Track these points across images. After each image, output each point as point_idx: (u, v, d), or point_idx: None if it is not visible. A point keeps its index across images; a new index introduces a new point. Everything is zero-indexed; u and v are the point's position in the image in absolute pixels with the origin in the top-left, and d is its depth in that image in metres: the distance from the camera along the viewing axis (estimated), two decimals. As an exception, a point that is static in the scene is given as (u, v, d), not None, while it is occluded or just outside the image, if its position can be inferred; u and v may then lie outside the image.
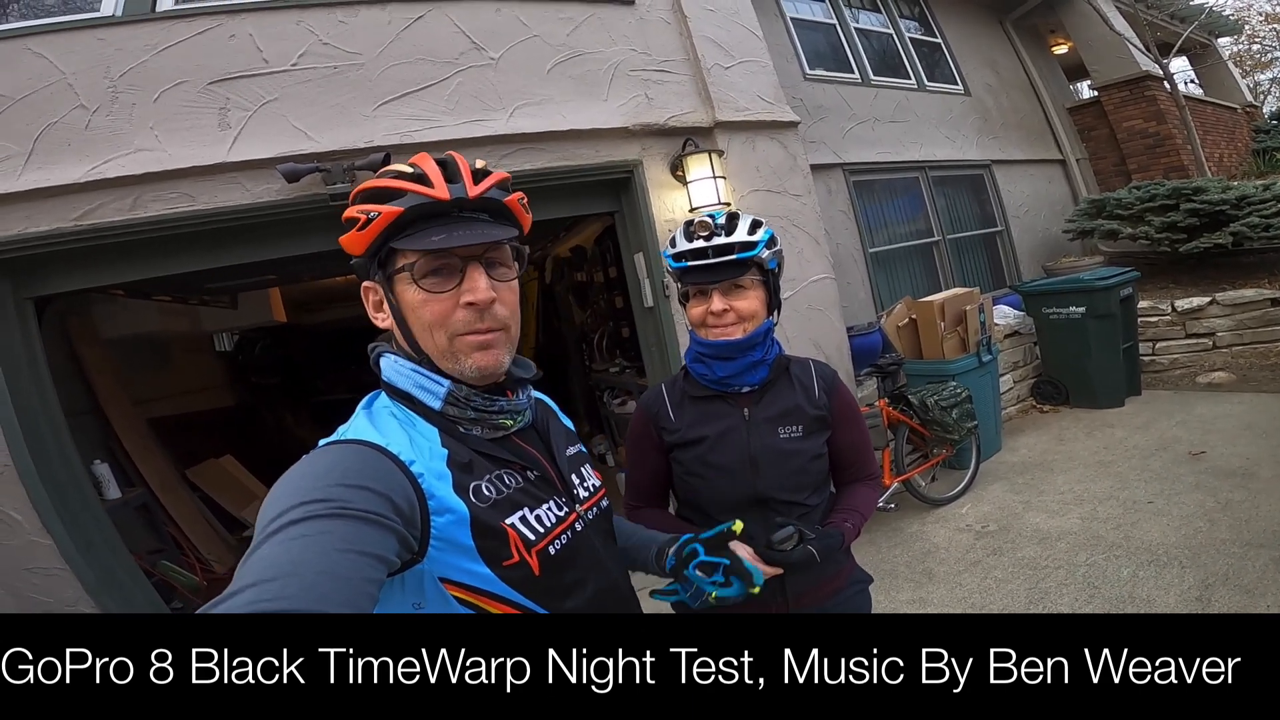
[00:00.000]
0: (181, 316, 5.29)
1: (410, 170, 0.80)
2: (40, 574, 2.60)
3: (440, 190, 0.78)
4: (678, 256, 1.27)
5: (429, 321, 0.79)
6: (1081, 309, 4.78)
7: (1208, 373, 5.01)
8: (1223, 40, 10.05)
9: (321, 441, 0.74)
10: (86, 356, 3.97)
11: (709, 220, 1.25)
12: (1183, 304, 5.17)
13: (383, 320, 0.84)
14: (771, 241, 1.27)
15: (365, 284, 0.84)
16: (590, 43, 3.39)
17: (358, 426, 0.77)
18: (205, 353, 6.11)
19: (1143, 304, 5.29)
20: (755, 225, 1.25)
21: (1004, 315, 5.34)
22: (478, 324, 0.79)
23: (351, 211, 0.80)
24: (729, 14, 3.75)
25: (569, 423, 1.06)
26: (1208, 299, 5.10)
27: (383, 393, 0.84)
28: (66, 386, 3.47)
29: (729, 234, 1.23)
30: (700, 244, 1.24)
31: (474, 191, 0.80)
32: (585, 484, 0.95)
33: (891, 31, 6.20)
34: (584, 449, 1.03)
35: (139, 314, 4.63)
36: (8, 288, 2.62)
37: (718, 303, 1.25)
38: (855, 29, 5.88)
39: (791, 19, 5.44)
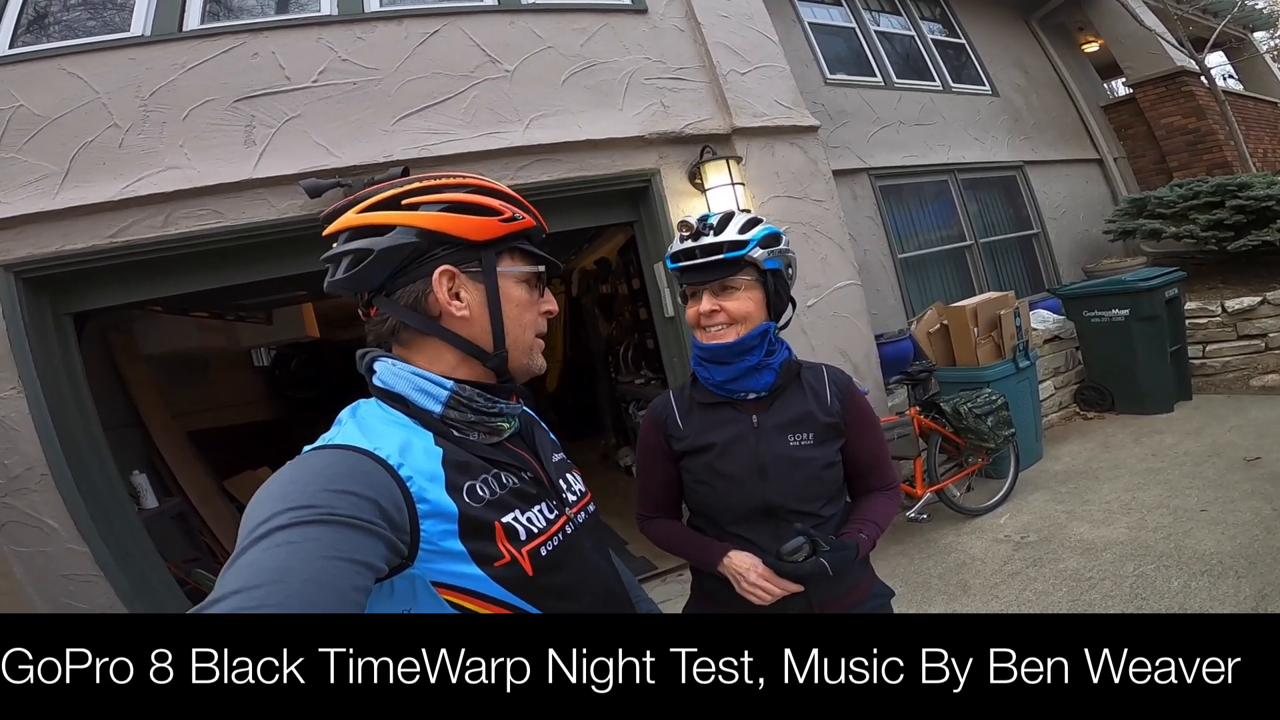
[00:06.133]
0: (219, 332, 5.46)
1: (511, 195, 0.89)
2: (76, 581, 2.67)
3: (543, 223, 0.92)
4: (673, 258, 1.26)
5: (529, 320, 0.88)
6: (1125, 311, 4.60)
7: (1261, 375, 4.76)
8: (1258, 34, 9.66)
9: (306, 448, 0.73)
10: (128, 371, 4.11)
11: (690, 221, 1.24)
12: (1233, 304, 4.92)
13: (459, 309, 0.82)
14: (769, 240, 1.23)
15: (445, 268, 0.81)
16: (604, 52, 3.42)
17: (345, 432, 0.76)
18: (243, 367, 6.28)
19: (1191, 305, 5.06)
20: (750, 224, 1.23)
21: (1043, 319, 5.16)
22: (544, 329, 0.93)
23: (490, 201, 0.83)
24: (743, 19, 3.74)
25: (551, 434, 1.07)
26: (1259, 299, 4.84)
27: (369, 400, 0.83)
28: (109, 400, 3.59)
29: (718, 233, 1.21)
30: (690, 244, 1.22)
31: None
32: (573, 488, 0.96)
33: (913, 34, 6.12)
34: (566, 459, 1.03)
35: (178, 330, 4.79)
36: (46, 304, 2.73)
37: (706, 303, 1.23)
38: (875, 32, 5.82)
39: (809, 24, 5.41)
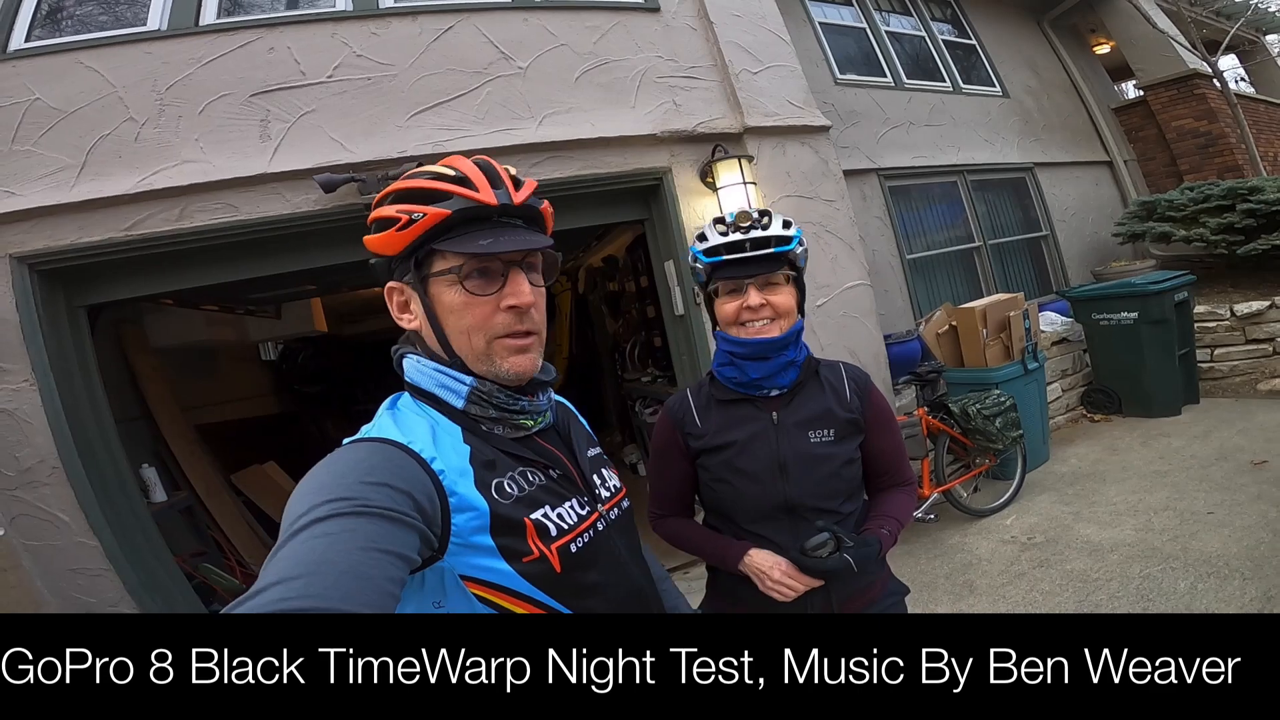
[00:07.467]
0: (228, 326, 5.47)
1: (451, 173, 0.80)
2: (85, 575, 2.68)
3: (487, 195, 0.79)
4: (711, 251, 1.24)
5: (469, 324, 0.79)
6: (1134, 314, 4.59)
7: (1269, 379, 4.75)
8: (1271, 37, 9.60)
9: (345, 440, 0.75)
10: (138, 364, 4.11)
11: (749, 212, 1.23)
12: (1242, 308, 4.91)
13: (409, 321, 0.84)
14: (801, 240, 1.25)
15: (391, 285, 0.84)
16: (617, 50, 3.42)
17: (381, 425, 0.78)
18: (251, 361, 6.29)
19: (1200, 309, 5.05)
20: (788, 223, 1.24)
21: (1051, 322, 5.17)
22: (517, 326, 0.80)
23: (388, 211, 0.79)
24: (755, 19, 3.74)
25: (588, 426, 1.06)
26: (1267, 303, 4.83)
27: (405, 394, 0.85)
28: (118, 393, 3.60)
29: (765, 228, 1.21)
30: (738, 236, 1.21)
31: (518, 198, 0.81)
32: (606, 484, 0.95)
33: (924, 34, 6.10)
34: (603, 453, 1.02)
35: (188, 323, 4.79)
36: (61, 296, 2.75)
37: (755, 297, 1.21)
38: (886, 32, 5.80)
39: (820, 24, 5.40)
